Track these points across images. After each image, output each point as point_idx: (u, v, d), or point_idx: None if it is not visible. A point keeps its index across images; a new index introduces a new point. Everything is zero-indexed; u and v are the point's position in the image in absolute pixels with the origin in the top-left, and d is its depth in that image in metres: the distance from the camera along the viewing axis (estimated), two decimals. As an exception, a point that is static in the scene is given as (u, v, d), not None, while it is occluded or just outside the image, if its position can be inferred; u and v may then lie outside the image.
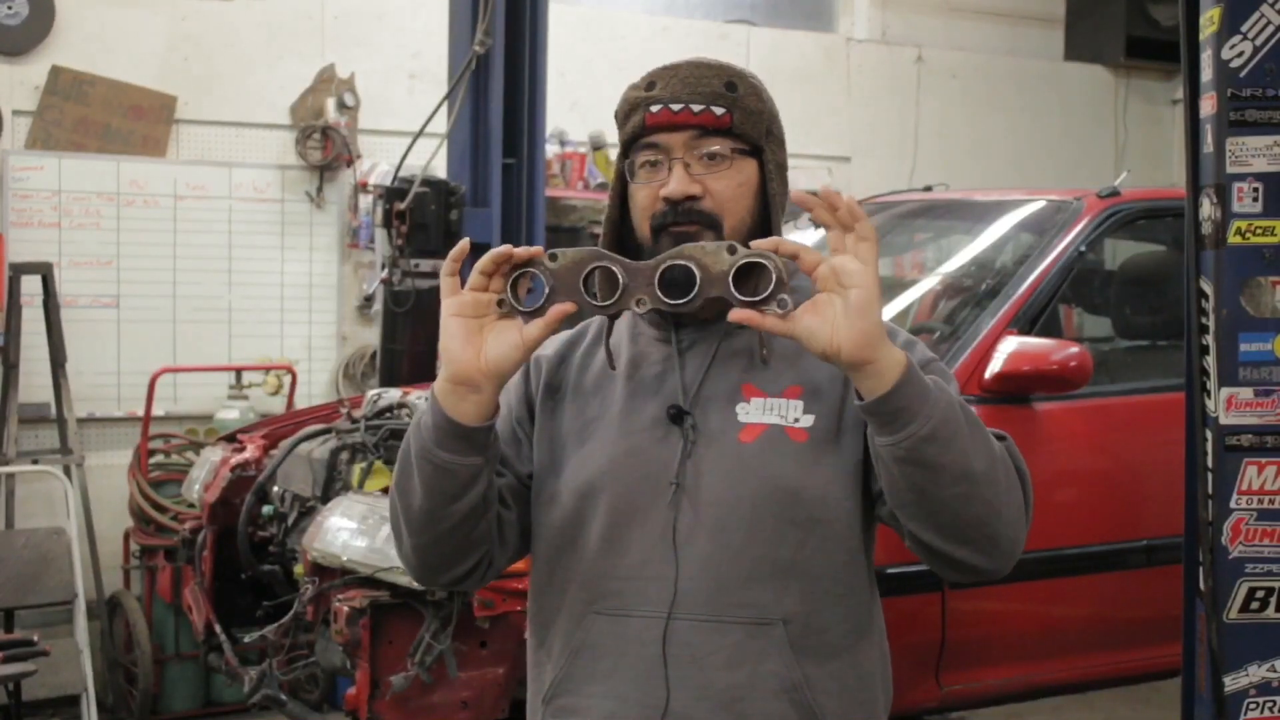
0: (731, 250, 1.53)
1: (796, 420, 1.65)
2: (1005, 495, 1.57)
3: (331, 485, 3.59)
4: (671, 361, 1.70)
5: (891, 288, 4.57)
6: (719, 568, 1.63)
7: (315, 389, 6.15)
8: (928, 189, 4.65)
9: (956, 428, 1.51)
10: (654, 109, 1.66)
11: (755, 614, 1.62)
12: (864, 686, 1.70)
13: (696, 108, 1.64)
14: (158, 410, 5.54)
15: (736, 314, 1.50)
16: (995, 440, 1.59)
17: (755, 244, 1.52)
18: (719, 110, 1.65)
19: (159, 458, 5.60)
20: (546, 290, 1.55)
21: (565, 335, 1.82)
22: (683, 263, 1.53)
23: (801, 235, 4.43)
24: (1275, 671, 2.46)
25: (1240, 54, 2.41)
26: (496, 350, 1.56)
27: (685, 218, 1.64)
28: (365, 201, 6.11)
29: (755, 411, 1.65)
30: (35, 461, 5.33)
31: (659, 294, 1.53)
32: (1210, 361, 2.48)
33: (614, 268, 1.54)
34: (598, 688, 1.66)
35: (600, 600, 1.67)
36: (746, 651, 1.62)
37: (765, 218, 1.70)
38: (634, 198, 1.70)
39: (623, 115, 1.71)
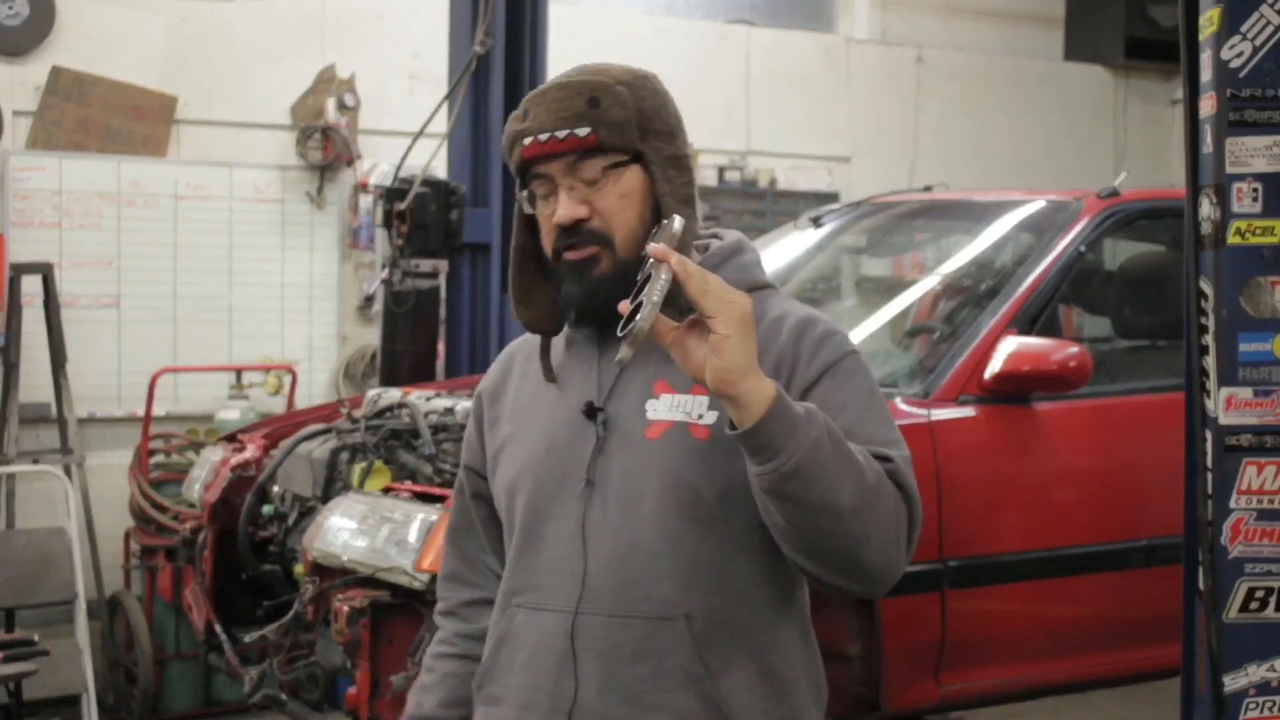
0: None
1: (700, 417, 1.67)
2: (877, 525, 1.59)
3: (332, 485, 3.59)
4: (592, 361, 1.75)
5: (891, 288, 4.58)
6: (624, 563, 1.67)
7: (315, 389, 6.16)
8: (928, 189, 4.65)
9: (821, 465, 1.52)
10: (526, 142, 1.70)
11: (659, 609, 1.66)
12: (779, 681, 1.71)
13: (561, 134, 1.68)
14: (158, 410, 5.54)
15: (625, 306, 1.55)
16: (873, 466, 1.60)
17: (649, 249, 1.54)
18: (582, 131, 1.68)
19: (159, 458, 5.60)
20: None
21: (502, 356, 1.91)
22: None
23: (801, 236, 4.43)
24: (1275, 671, 2.46)
25: (1240, 54, 2.41)
26: None
27: (579, 240, 1.69)
28: (365, 202, 6.12)
29: (663, 408, 1.69)
30: (36, 461, 5.33)
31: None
32: (1210, 361, 2.48)
33: None
34: (515, 678, 1.72)
35: (520, 593, 1.73)
36: (651, 646, 1.66)
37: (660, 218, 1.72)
38: (540, 224, 1.75)
39: (506, 149, 1.76)
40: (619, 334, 1.52)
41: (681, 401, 1.68)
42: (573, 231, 1.68)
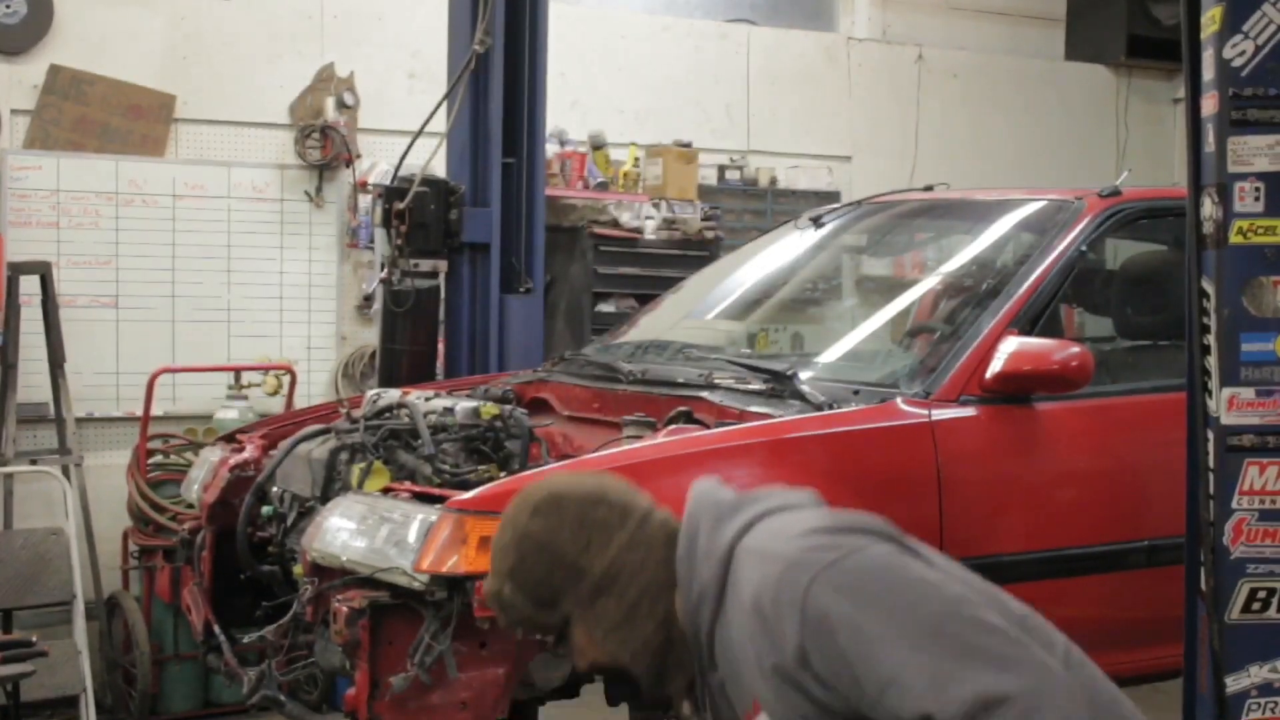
0: None
1: None
2: None
3: (331, 485, 3.57)
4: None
5: (892, 288, 4.57)
6: None
7: (314, 389, 6.15)
8: (928, 188, 4.64)
9: None
10: None
11: None
12: None
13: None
14: (156, 410, 5.53)
15: None
16: None
17: None
18: (518, 633, 1.95)
19: (158, 458, 5.59)
20: None
21: None
22: None
23: (801, 235, 4.42)
24: (1277, 672, 2.45)
25: (1242, 53, 2.40)
26: None
27: (611, 687, 1.92)
28: (365, 201, 6.11)
29: None
30: (34, 462, 5.32)
31: None
32: (1212, 361, 2.48)
33: None
34: None
35: None
36: None
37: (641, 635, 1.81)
38: None
39: None
40: None
41: None
42: (590, 672, 1.91)
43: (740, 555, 1.74)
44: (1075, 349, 3.29)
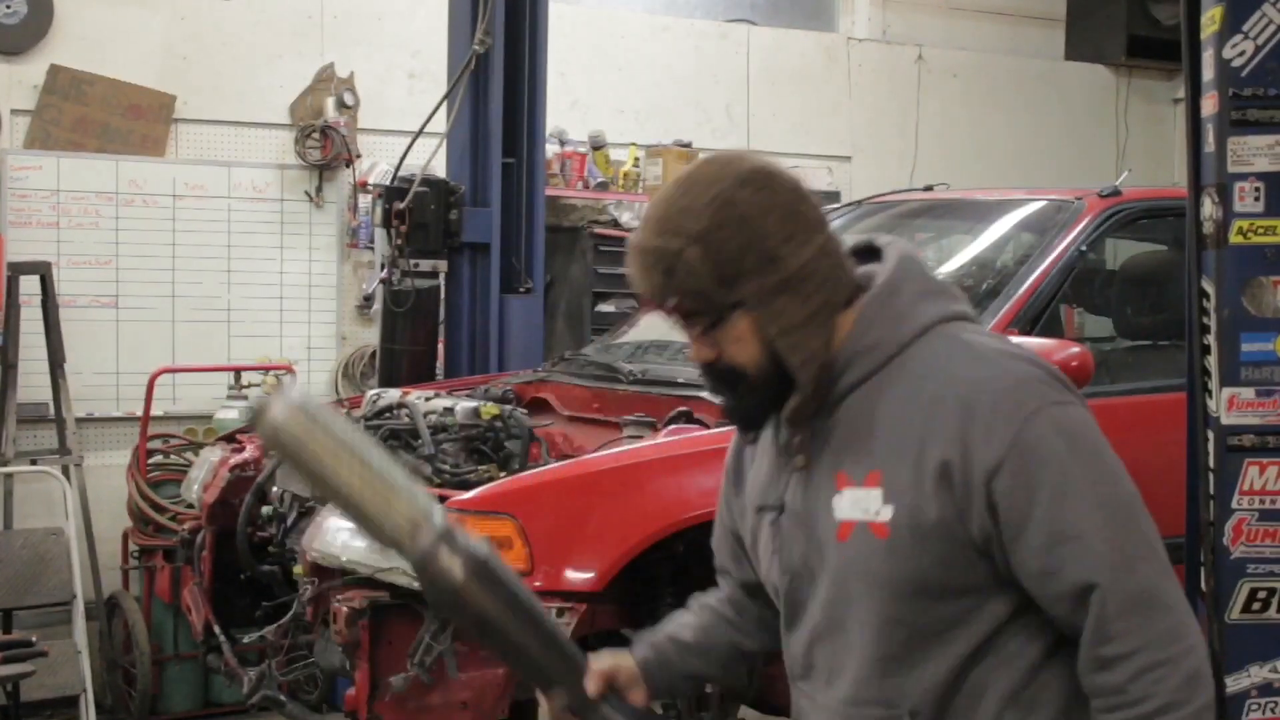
0: None
1: (877, 513, 1.63)
2: None
3: (331, 485, 3.57)
4: (783, 460, 1.77)
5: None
6: (849, 663, 1.70)
7: (315, 389, 6.14)
8: (928, 188, 4.64)
9: None
10: (641, 294, 1.74)
11: (887, 709, 1.67)
12: None
13: (654, 303, 1.70)
14: (156, 410, 5.53)
15: None
16: None
17: None
18: (670, 303, 1.67)
19: (158, 458, 5.59)
20: None
21: (734, 444, 1.93)
22: None
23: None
24: (1277, 672, 2.45)
25: (1242, 53, 2.40)
26: None
27: (714, 380, 1.73)
28: (365, 201, 6.10)
29: (846, 506, 1.67)
30: (34, 462, 5.32)
31: None
32: (1212, 361, 2.48)
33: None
34: None
35: (795, 679, 1.82)
36: None
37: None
38: None
39: None
40: None
41: (860, 497, 1.65)
42: (705, 369, 1.73)
43: (940, 338, 1.67)
44: (1075, 349, 3.29)
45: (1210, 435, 2.49)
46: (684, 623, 1.96)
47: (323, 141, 6.06)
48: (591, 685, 1.78)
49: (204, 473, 4.12)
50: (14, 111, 5.72)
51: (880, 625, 1.64)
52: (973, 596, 1.62)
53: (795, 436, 1.71)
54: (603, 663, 1.82)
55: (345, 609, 3.01)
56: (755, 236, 1.64)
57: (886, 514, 1.61)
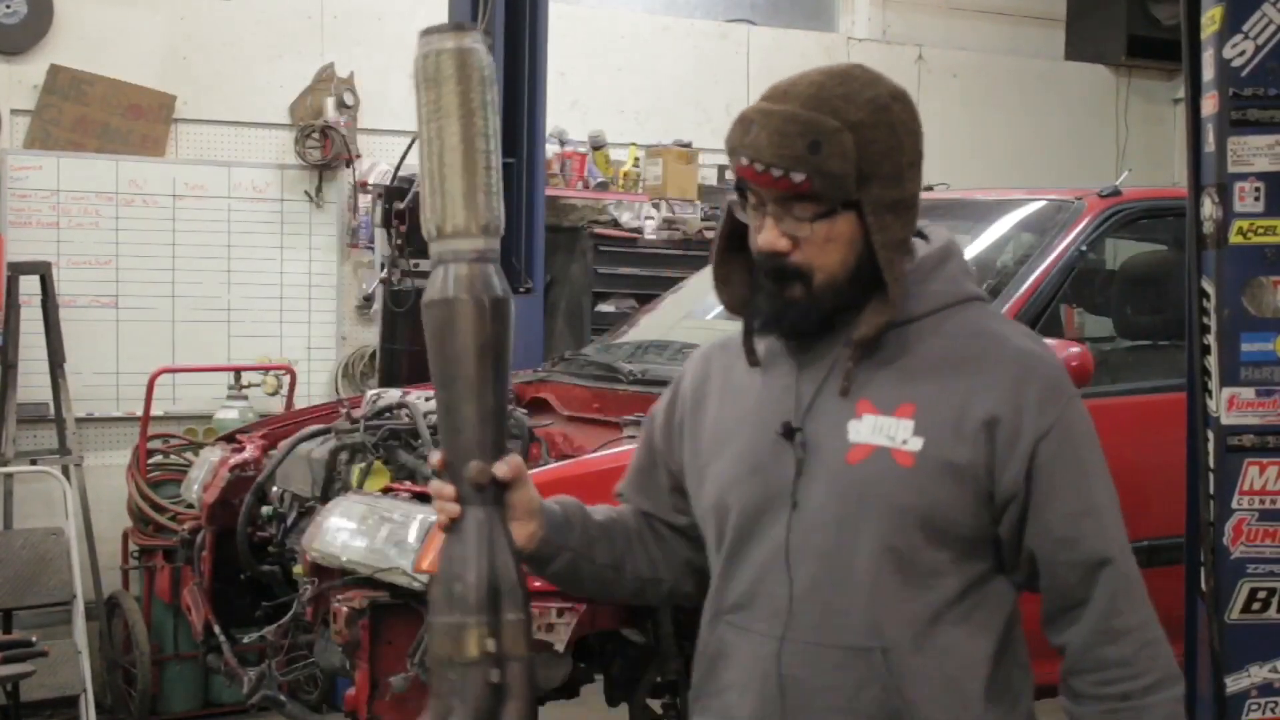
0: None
1: (905, 442, 1.64)
2: None
3: (331, 485, 3.58)
4: (792, 375, 1.73)
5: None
6: (828, 590, 1.66)
7: (314, 389, 6.14)
8: (928, 188, 4.63)
9: None
10: (744, 162, 1.65)
11: (861, 639, 1.65)
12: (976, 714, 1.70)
13: (776, 173, 1.62)
14: (156, 410, 5.52)
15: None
16: None
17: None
18: (798, 177, 1.61)
19: (158, 458, 5.59)
20: None
21: (698, 356, 1.90)
22: None
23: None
24: (1277, 672, 2.45)
25: (1242, 53, 2.40)
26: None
27: (775, 272, 1.67)
28: (365, 201, 6.11)
29: (866, 430, 1.66)
30: (34, 462, 5.32)
31: None
32: (1212, 361, 2.48)
33: None
34: (725, 698, 1.76)
35: (728, 611, 1.75)
36: (854, 676, 1.65)
37: (869, 264, 1.68)
38: (750, 223, 1.73)
39: (728, 149, 1.71)
40: None
41: (885, 425, 1.65)
42: (770, 261, 1.67)
43: (980, 310, 1.76)
44: (1075, 349, 3.29)
45: (1210, 435, 2.49)
46: (597, 508, 1.90)
47: (323, 141, 6.06)
48: (503, 468, 1.66)
49: (204, 473, 4.12)
50: (14, 111, 5.72)
51: (880, 553, 1.64)
52: (960, 549, 1.66)
53: (853, 358, 1.67)
54: (524, 468, 1.72)
55: (345, 609, 3.01)
56: (896, 149, 1.70)
57: (916, 444, 1.63)
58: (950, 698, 1.66)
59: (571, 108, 6.57)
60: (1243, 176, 2.41)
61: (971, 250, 4.04)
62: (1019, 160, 7.71)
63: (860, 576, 1.65)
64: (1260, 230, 2.42)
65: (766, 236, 1.66)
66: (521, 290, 5.01)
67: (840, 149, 1.63)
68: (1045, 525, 1.65)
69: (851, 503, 1.65)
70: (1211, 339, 2.47)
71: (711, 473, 1.78)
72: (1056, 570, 1.67)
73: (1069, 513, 1.65)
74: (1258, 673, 2.46)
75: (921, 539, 1.64)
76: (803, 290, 1.66)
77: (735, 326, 1.82)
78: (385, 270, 5.01)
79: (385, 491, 3.27)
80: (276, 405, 5.78)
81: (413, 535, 2.97)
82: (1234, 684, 2.45)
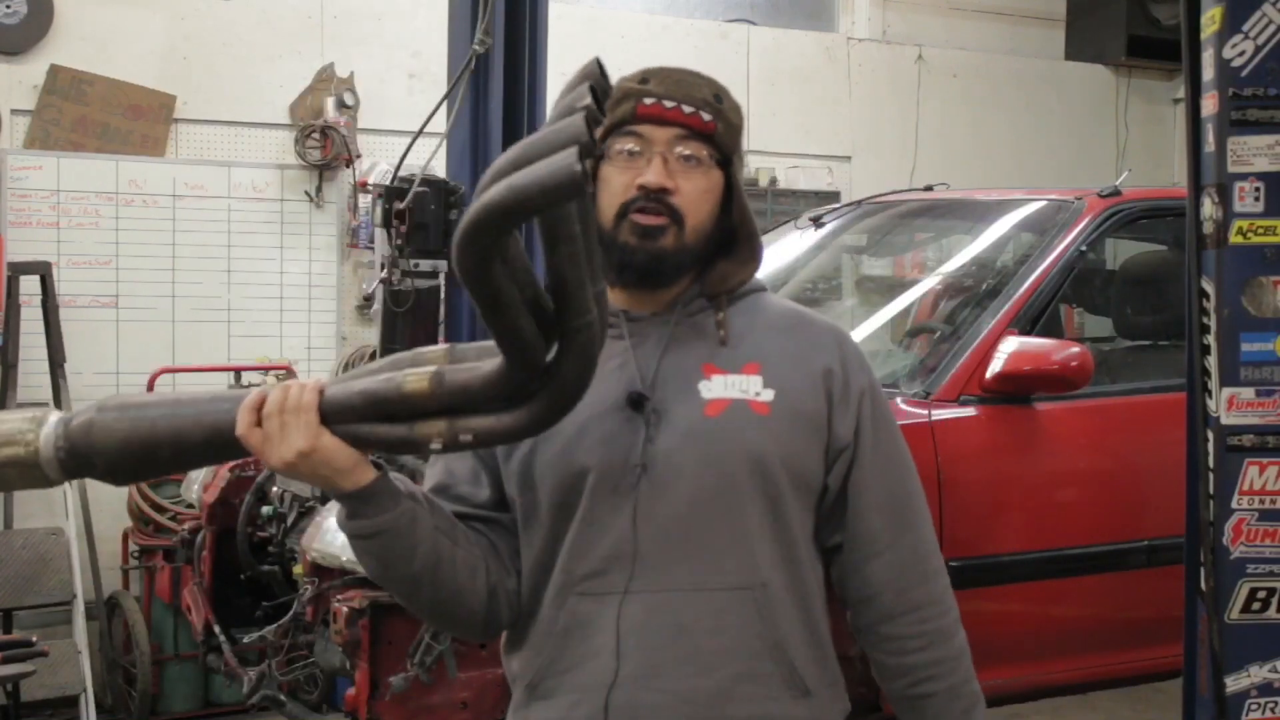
0: None
1: (758, 394, 1.75)
2: None
3: (331, 485, 3.57)
4: (628, 353, 1.78)
5: (893, 288, 4.57)
6: (702, 539, 1.72)
7: (314, 389, 6.14)
8: (928, 188, 4.64)
9: None
10: (647, 101, 1.76)
11: (744, 579, 1.72)
12: (827, 650, 1.83)
13: (688, 109, 1.76)
14: (157, 410, 5.52)
15: None
16: None
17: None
18: (706, 116, 1.77)
19: (158, 458, 5.58)
20: None
21: None
22: None
23: (801, 235, 4.42)
24: (1277, 672, 2.45)
25: (1242, 53, 2.40)
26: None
27: (655, 207, 1.74)
28: (365, 201, 6.10)
29: (718, 388, 1.76)
30: (34, 462, 5.31)
31: None
32: (1211, 361, 2.47)
33: None
34: (579, 671, 1.75)
35: (579, 582, 1.75)
36: (738, 616, 1.72)
37: (722, 225, 1.81)
38: (606, 181, 1.78)
39: (613, 102, 1.78)
40: None
41: (735, 381, 1.76)
42: (651, 196, 1.74)
43: (771, 295, 1.91)
44: (1075, 349, 3.29)
45: (1210, 435, 2.48)
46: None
47: (323, 141, 6.06)
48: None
49: (204, 473, 4.12)
50: (14, 111, 5.72)
51: (748, 496, 1.72)
52: (807, 497, 1.79)
53: (720, 311, 1.79)
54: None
55: (345, 609, 3.01)
56: (738, 127, 1.86)
57: (768, 395, 1.75)
58: (808, 633, 1.77)
59: (571, 108, 6.56)
60: (1243, 176, 2.41)
61: (972, 250, 4.04)
62: (1019, 160, 7.72)
63: (734, 520, 1.72)
64: (1260, 230, 2.41)
65: (655, 174, 1.74)
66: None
67: (734, 106, 1.84)
68: (866, 468, 1.80)
69: (715, 452, 1.72)
70: (1211, 339, 2.47)
71: (553, 451, 1.74)
72: (870, 516, 1.80)
73: (882, 461, 1.81)
74: (1257, 673, 2.46)
75: (785, 482, 1.75)
76: (674, 235, 1.74)
77: None
78: (385, 270, 4.99)
79: (385, 491, 3.26)
80: (276, 405, 5.78)
81: (413, 535, 2.97)
82: (1234, 684, 2.45)
